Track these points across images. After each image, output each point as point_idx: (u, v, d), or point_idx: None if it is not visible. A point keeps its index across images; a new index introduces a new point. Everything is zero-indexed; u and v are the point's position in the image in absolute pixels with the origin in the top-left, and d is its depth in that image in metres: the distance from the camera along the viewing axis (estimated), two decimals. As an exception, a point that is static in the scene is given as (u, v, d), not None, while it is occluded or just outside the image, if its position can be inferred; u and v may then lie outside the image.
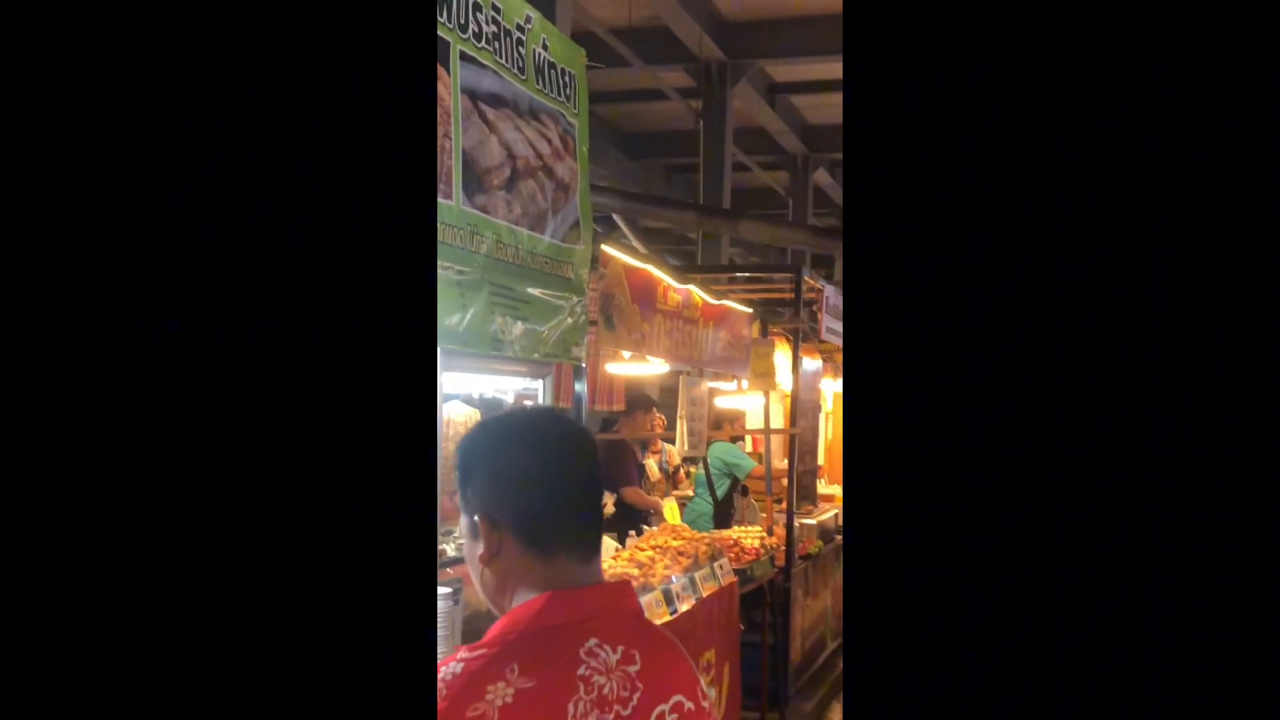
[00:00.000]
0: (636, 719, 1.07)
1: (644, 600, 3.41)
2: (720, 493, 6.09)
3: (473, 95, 2.24)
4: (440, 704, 0.98)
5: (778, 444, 6.37)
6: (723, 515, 6.03)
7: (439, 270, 2.04)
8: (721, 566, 4.16)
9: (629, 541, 4.27)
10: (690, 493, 6.63)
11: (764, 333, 5.54)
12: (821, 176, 13.87)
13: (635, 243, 8.95)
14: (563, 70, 2.67)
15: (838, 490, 6.93)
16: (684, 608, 3.62)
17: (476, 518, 1.12)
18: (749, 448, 6.83)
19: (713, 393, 6.15)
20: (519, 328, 2.41)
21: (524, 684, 1.01)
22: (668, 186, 14.01)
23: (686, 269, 5.24)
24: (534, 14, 2.52)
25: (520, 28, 2.45)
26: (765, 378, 5.21)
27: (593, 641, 1.07)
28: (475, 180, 2.25)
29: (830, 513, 6.38)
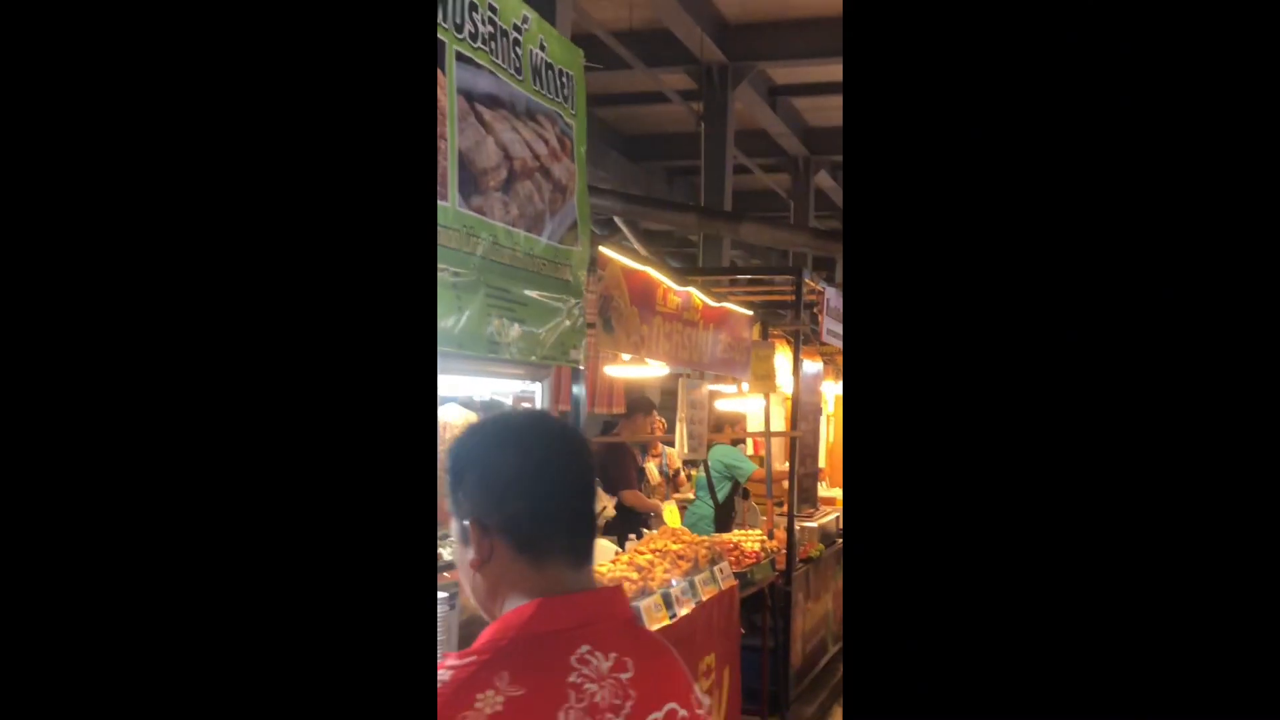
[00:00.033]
0: None
1: (643, 604, 3.40)
2: (721, 496, 6.07)
3: (469, 96, 2.23)
4: (428, 713, 0.97)
5: (779, 446, 6.35)
6: (724, 518, 6.02)
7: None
8: (721, 570, 4.14)
9: (629, 545, 4.25)
10: (691, 496, 6.61)
11: (764, 335, 5.53)
12: (823, 179, 13.86)
13: (636, 245, 8.96)
14: (560, 71, 2.66)
15: (839, 493, 6.91)
16: (683, 612, 3.60)
17: (467, 522, 1.11)
18: (750, 450, 6.82)
19: (713, 395, 6.13)
20: (516, 330, 2.39)
21: (514, 692, 1.00)
22: (669, 189, 14.00)
23: (687, 271, 5.23)
24: (531, 14, 2.51)
25: (517, 28, 2.44)
26: (766, 380, 5.19)
27: (584, 648, 1.06)
28: (471, 181, 2.23)
29: (831, 516, 6.36)
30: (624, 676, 1.07)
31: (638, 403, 5.73)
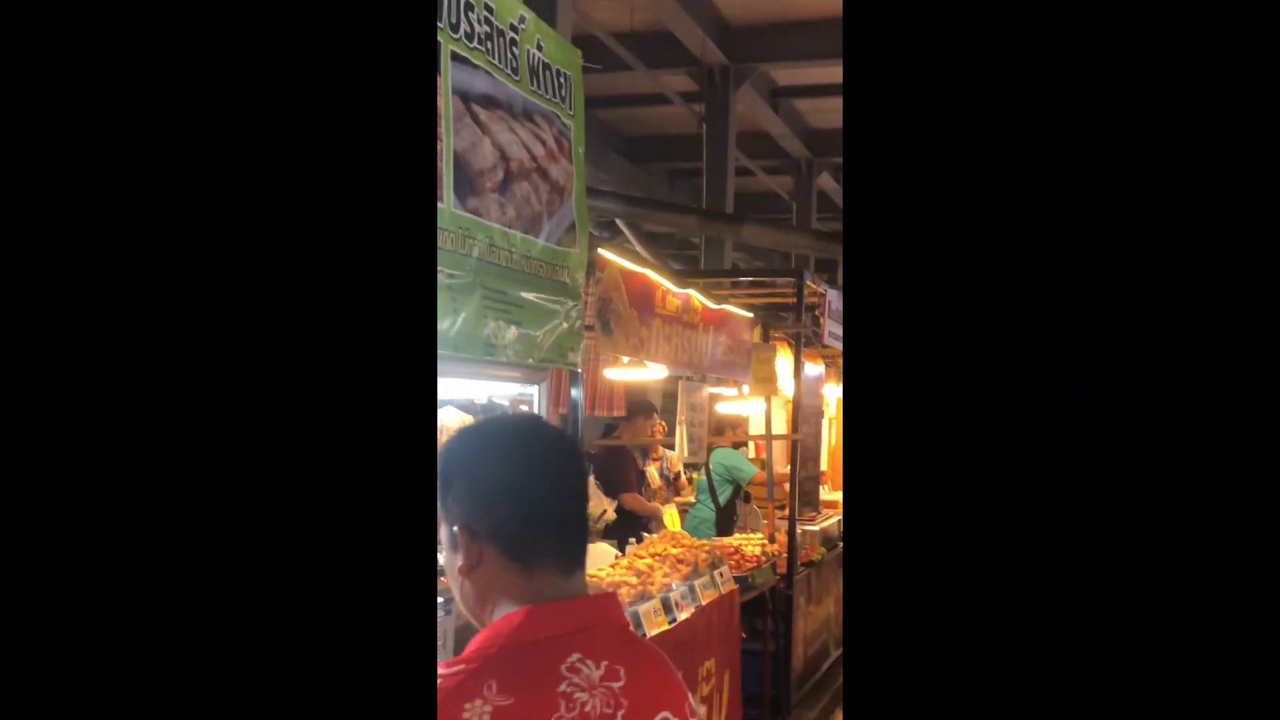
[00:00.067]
0: None
1: (642, 609, 3.38)
2: (723, 499, 6.05)
3: (465, 97, 2.21)
4: (413, 723, 0.95)
5: (781, 450, 6.33)
6: (725, 522, 6.00)
7: (429, 274, 2.01)
8: (721, 574, 4.12)
9: (629, 548, 4.23)
10: (692, 499, 6.59)
11: (765, 337, 5.51)
12: (825, 181, 13.84)
13: (638, 247, 8.95)
14: (558, 71, 2.64)
15: (841, 496, 6.89)
16: (683, 616, 3.58)
17: (456, 528, 1.09)
18: (752, 453, 6.80)
19: (713, 398, 6.12)
20: (512, 332, 2.37)
21: (502, 701, 0.98)
22: (670, 191, 13.99)
23: (687, 273, 5.22)
24: (528, 14, 2.49)
25: (514, 28, 2.42)
26: (766, 383, 5.18)
27: (575, 657, 1.04)
28: (468, 183, 2.22)
29: (833, 519, 6.33)
30: (615, 685, 1.05)
31: (638, 405, 5.71)
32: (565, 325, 2.64)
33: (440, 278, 2.10)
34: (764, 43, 9.87)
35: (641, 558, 3.91)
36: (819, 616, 5.83)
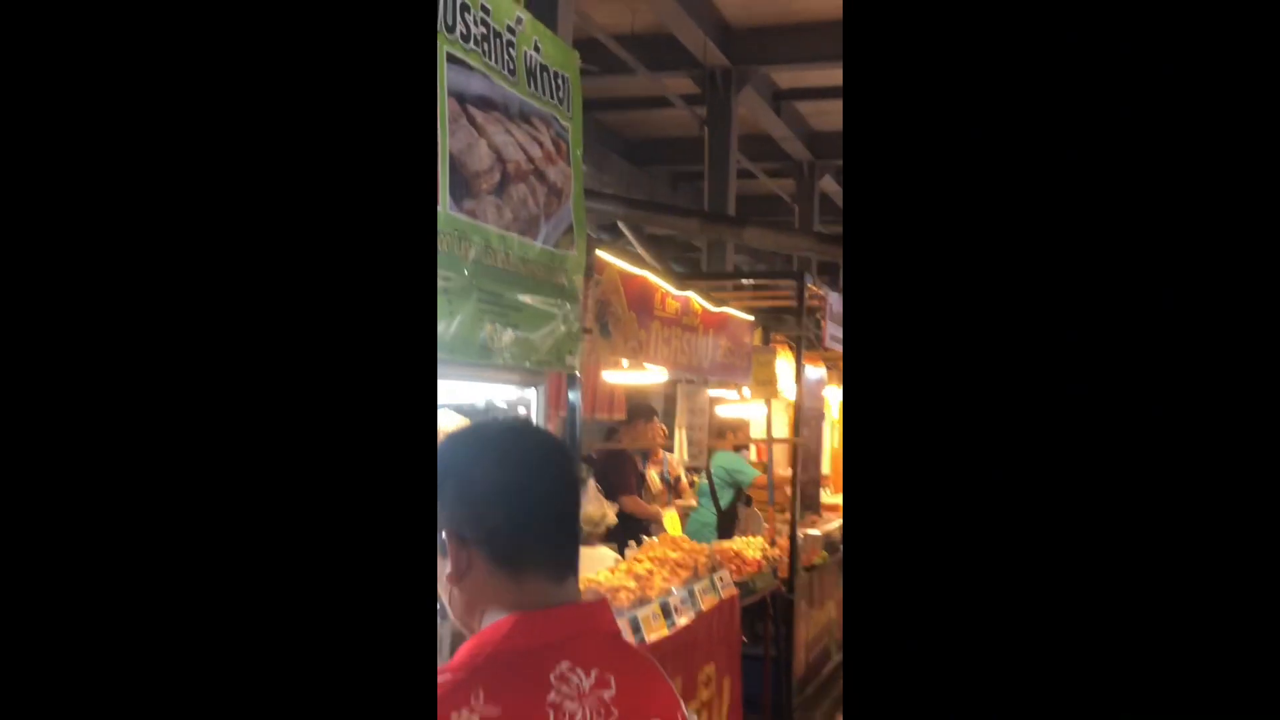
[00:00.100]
0: None
1: (641, 614, 3.36)
2: (724, 502, 6.04)
3: (460, 98, 2.20)
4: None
5: (782, 453, 6.31)
6: (727, 525, 5.98)
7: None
8: (721, 579, 4.10)
9: (628, 552, 4.21)
10: (694, 502, 6.58)
11: (766, 340, 5.49)
12: (828, 183, 13.82)
13: (641, 250, 8.93)
14: (555, 73, 2.63)
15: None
16: (682, 621, 3.57)
17: (444, 534, 1.08)
18: (754, 456, 6.78)
19: (714, 401, 6.10)
20: (509, 335, 2.36)
21: (490, 711, 0.96)
22: (673, 194, 13.98)
23: (687, 276, 5.20)
24: (525, 15, 2.47)
25: (511, 29, 2.41)
26: (767, 386, 5.16)
27: (564, 665, 1.02)
28: (463, 185, 2.20)
29: (835, 523, 6.31)
30: (606, 694, 1.03)
31: (639, 409, 5.70)
32: (563, 328, 2.62)
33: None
34: (766, 45, 9.86)
35: (640, 562, 3.89)
36: (820, 621, 5.81)
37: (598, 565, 3.94)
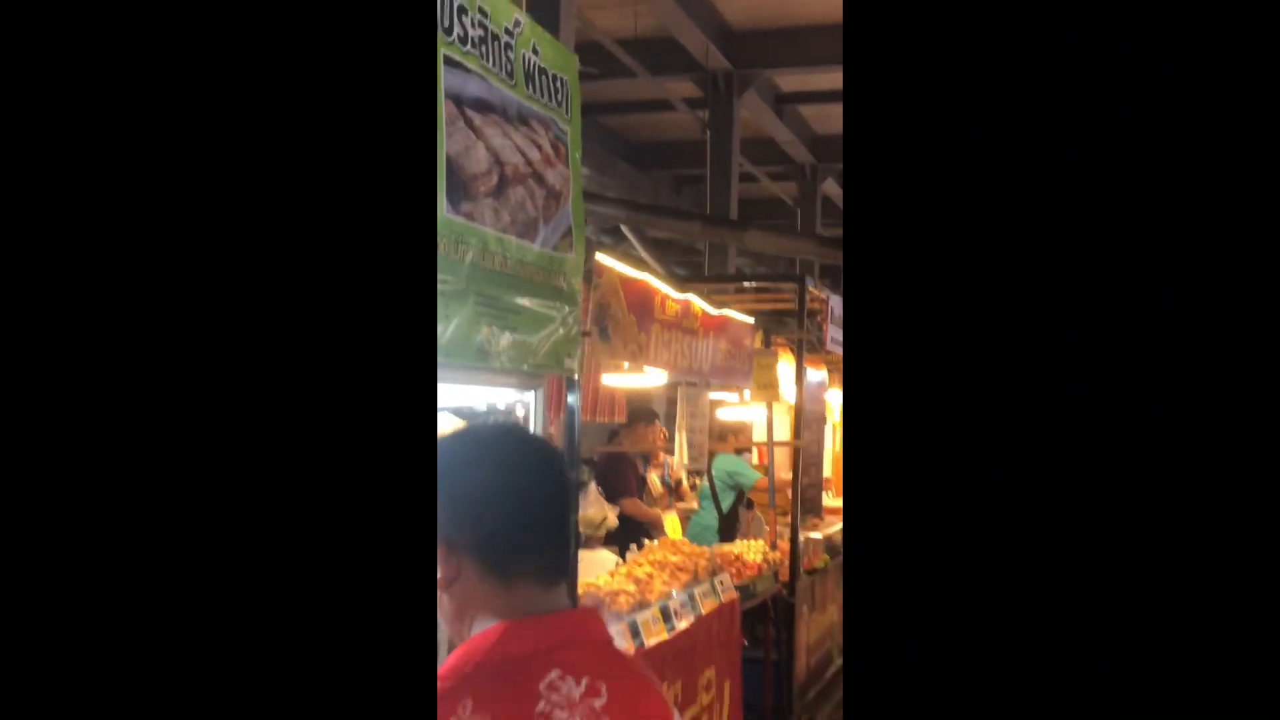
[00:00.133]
0: None
1: (641, 617, 3.34)
2: (725, 505, 6.02)
3: (458, 100, 2.19)
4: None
5: (784, 456, 6.30)
6: (728, 528, 5.96)
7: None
8: (722, 582, 4.09)
9: (628, 555, 4.20)
10: (695, 506, 6.56)
11: (767, 343, 5.48)
12: (830, 187, 13.80)
13: (643, 253, 8.92)
14: (554, 76, 2.62)
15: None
16: (682, 625, 3.55)
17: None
18: (755, 459, 6.77)
19: (715, 405, 6.08)
20: (507, 338, 2.35)
21: (478, 720, 0.95)
22: (676, 197, 13.97)
23: (687, 279, 5.19)
24: (524, 18, 2.47)
25: (509, 32, 2.40)
26: (768, 389, 5.14)
27: (554, 674, 1.01)
28: (461, 187, 2.19)
29: (837, 526, 6.29)
30: (596, 703, 1.02)
31: (639, 412, 5.68)
32: (562, 331, 2.61)
33: (432, 283, 2.08)
34: (768, 49, 9.85)
35: (640, 565, 3.87)
36: (822, 624, 5.79)
37: (598, 568, 3.92)
